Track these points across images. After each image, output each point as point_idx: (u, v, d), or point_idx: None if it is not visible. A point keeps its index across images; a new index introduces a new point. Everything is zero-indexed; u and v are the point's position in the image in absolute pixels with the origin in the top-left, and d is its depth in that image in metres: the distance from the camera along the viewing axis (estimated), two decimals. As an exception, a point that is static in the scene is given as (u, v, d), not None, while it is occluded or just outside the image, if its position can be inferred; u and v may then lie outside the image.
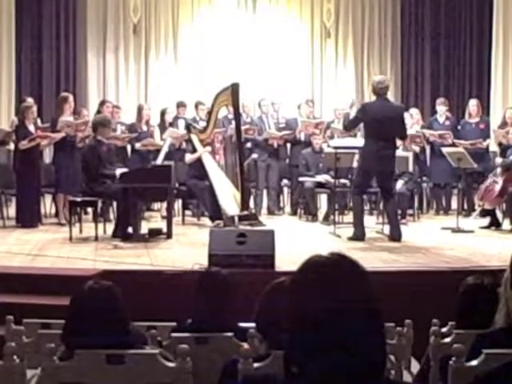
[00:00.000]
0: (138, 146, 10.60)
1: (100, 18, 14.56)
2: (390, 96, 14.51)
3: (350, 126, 9.05)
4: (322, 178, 10.42)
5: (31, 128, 9.38)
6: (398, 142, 10.40)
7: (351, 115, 10.34)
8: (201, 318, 3.69)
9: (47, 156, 11.44)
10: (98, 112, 10.92)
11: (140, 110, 11.01)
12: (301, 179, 10.57)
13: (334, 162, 9.18)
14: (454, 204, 10.86)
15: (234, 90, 9.13)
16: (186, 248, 7.68)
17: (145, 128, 10.82)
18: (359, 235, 8.19)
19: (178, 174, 9.65)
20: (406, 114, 11.53)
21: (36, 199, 9.42)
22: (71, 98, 10.12)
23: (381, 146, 8.03)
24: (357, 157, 10.10)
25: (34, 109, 9.73)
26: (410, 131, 10.83)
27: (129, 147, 10.86)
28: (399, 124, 8.31)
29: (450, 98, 13.73)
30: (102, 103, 11.34)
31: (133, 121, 11.06)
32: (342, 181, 10.29)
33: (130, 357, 2.86)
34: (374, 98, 8.51)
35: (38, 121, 10.24)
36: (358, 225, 8.27)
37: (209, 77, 13.88)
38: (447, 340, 3.30)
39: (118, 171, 8.47)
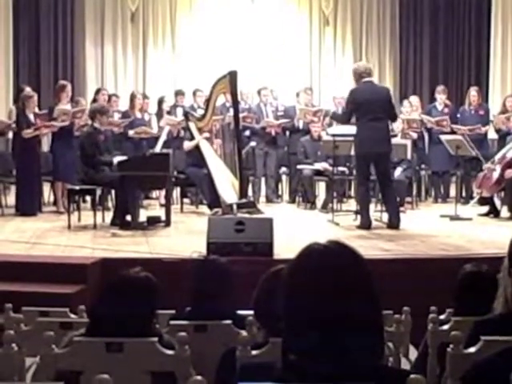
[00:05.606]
0: (131, 133, 10.60)
1: (98, 6, 14.54)
2: (389, 83, 14.58)
3: (345, 117, 8.63)
4: (321, 165, 10.41)
5: (31, 117, 9.36)
6: (396, 128, 10.41)
7: None
8: (199, 305, 3.69)
9: (45, 144, 11.42)
10: (94, 100, 10.92)
11: (132, 98, 10.99)
12: (299, 167, 10.55)
13: (333, 149, 9.14)
14: (453, 191, 10.86)
15: (232, 77, 9.09)
16: (184, 236, 7.68)
17: (138, 115, 10.81)
18: (365, 224, 8.20)
19: (176, 162, 9.64)
20: (405, 102, 11.56)
21: (36, 187, 9.41)
22: (69, 86, 10.06)
23: (374, 126, 7.98)
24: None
25: (35, 98, 9.70)
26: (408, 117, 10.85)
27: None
28: (388, 105, 8.27)
29: (448, 85, 13.71)
30: (98, 91, 11.37)
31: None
32: (341, 168, 10.28)
33: (128, 345, 2.86)
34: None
35: (36, 109, 10.21)
36: (364, 214, 8.28)
37: (207, 65, 13.86)
38: (445, 327, 3.30)
39: (116, 159, 8.46)
